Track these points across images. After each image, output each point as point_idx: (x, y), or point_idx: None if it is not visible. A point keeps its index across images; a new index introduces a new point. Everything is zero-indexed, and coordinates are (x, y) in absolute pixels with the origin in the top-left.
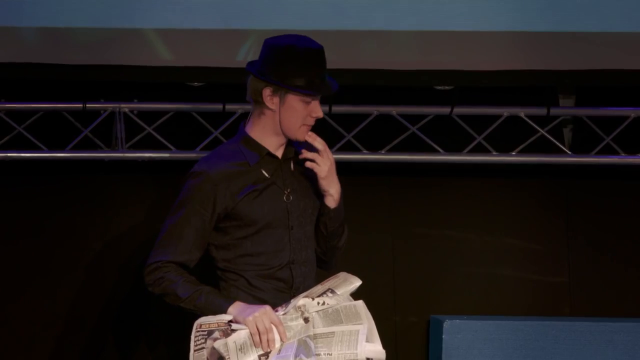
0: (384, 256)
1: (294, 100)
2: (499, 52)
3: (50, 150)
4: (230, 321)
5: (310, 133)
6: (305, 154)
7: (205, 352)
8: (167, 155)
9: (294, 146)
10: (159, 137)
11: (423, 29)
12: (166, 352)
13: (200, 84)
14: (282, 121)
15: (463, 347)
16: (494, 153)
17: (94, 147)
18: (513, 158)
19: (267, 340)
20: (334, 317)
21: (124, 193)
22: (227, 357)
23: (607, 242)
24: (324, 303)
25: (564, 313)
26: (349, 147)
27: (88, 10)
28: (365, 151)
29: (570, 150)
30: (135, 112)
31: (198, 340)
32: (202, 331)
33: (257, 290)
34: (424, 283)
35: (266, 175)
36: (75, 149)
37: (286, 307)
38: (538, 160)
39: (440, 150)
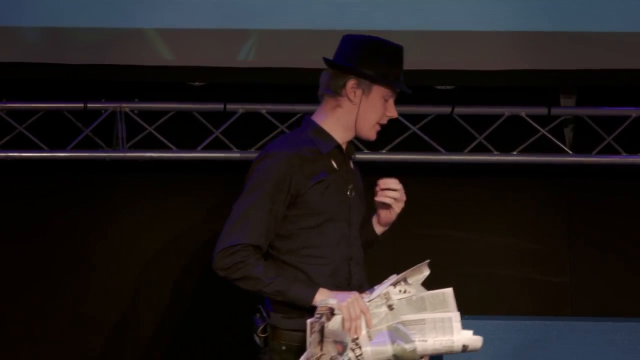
0: (385, 256)
1: (376, 96)
2: (499, 52)
3: (51, 149)
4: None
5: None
6: (388, 192)
7: (316, 336)
8: (168, 155)
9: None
10: (160, 136)
11: (424, 28)
12: (167, 353)
13: (201, 83)
14: (359, 116)
15: None
16: (495, 153)
17: (95, 147)
18: (514, 158)
19: (355, 327)
20: (418, 304)
21: (125, 193)
22: (323, 340)
23: (608, 241)
24: (405, 291)
25: (565, 313)
26: None
27: (89, 10)
28: (366, 151)
29: (571, 150)
30: (136, 111)
31: (314, 324)
32: (318, 315)
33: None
34: (424, 283)
35: (335, 166)
36: (76, 148)
37: (370, 294)
38: (539, 160)
39: (441, 150)
